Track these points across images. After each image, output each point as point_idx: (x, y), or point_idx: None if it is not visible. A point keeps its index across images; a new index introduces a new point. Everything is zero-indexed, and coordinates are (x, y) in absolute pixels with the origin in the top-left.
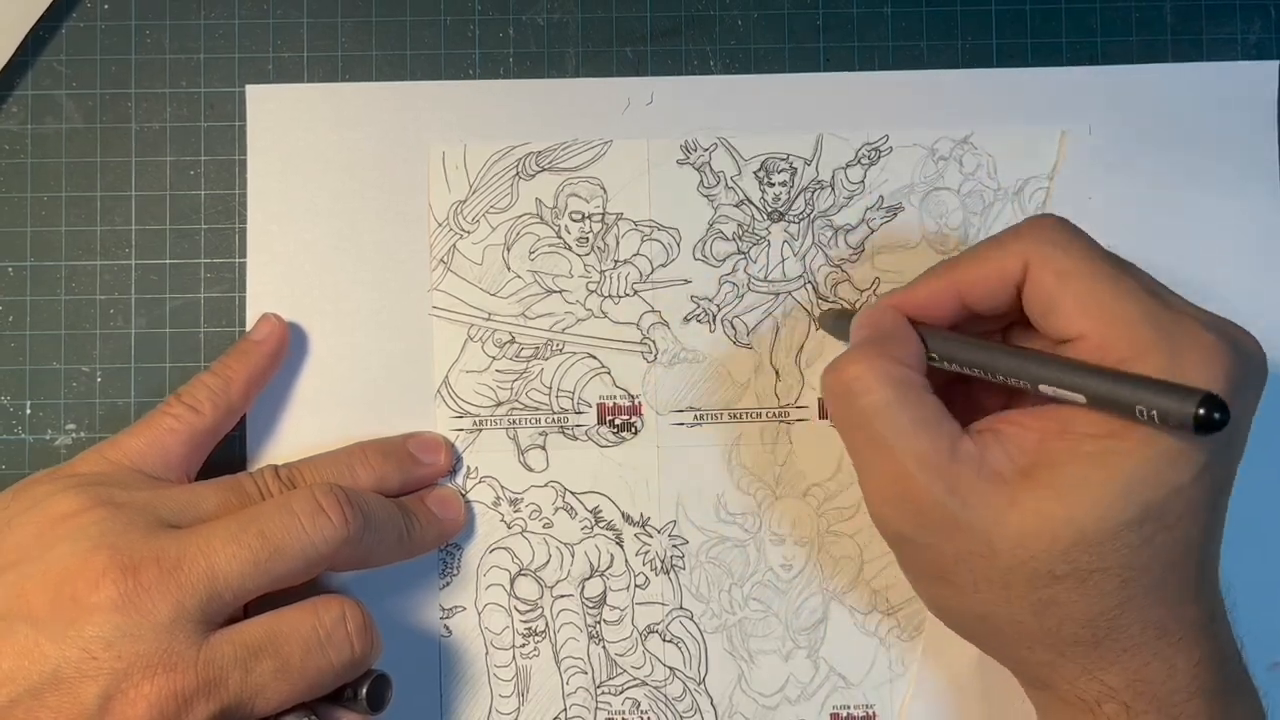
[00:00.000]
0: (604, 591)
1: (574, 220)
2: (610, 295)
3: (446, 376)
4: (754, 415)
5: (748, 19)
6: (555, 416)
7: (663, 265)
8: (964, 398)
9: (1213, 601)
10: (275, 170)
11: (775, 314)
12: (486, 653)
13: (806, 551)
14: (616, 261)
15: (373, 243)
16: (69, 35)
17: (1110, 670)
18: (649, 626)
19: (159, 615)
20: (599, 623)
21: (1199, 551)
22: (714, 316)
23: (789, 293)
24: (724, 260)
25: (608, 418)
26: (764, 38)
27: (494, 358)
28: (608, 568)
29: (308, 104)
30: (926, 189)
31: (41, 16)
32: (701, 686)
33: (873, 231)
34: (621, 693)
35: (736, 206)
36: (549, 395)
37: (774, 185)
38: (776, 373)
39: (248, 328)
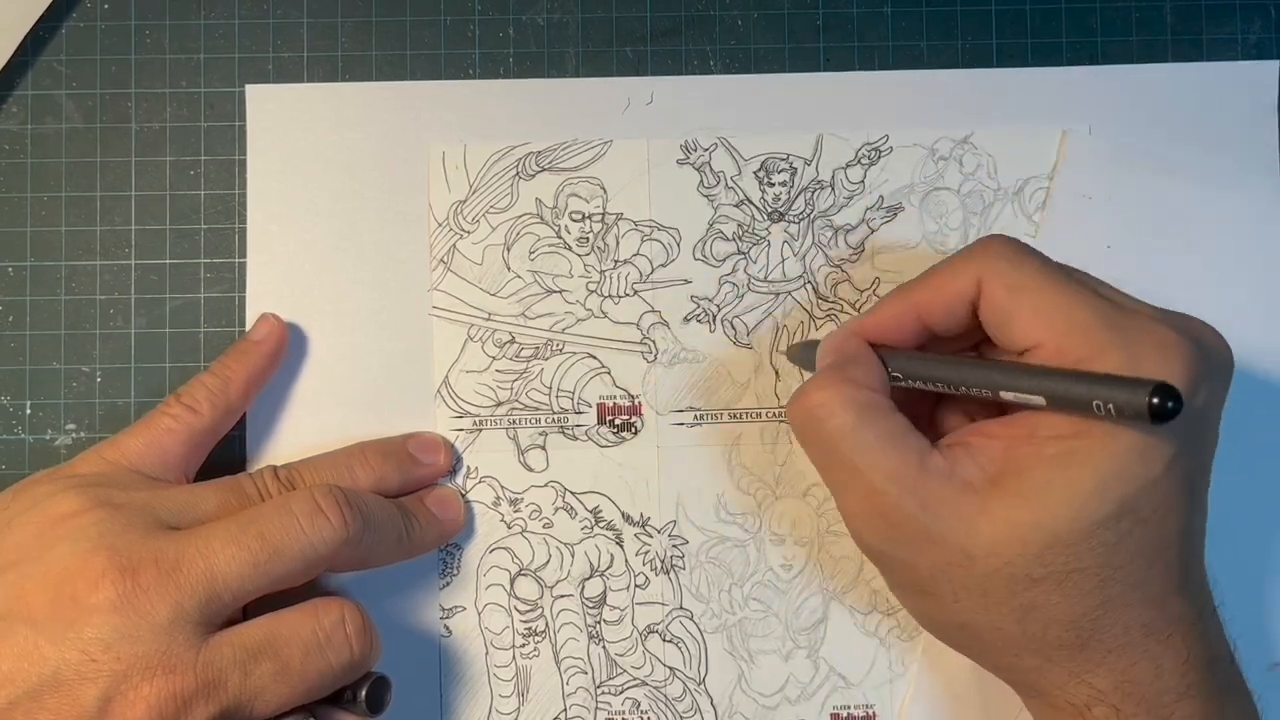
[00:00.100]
0: (604, 591)
1: (574, 220)
2: (610, 295)
3: (446, 376)
4: (754, 415)
5: (748, 19)
6: (555, 416)
7: (663, 265)
8: (935, 416)
9: (1200, 597)
10: (275, 170)
11: (775, 314)
12: (486, 653)
13: (806, 551)
14: (616, 261)
15: (373, 243)
16: (69, 35)
17: (1097, 672)
18: (649, 626)
19: (158, 617)
20: (599, 623)
21: (1178, 545)
22: (714, 316)
23: (789, 293)
24: (724, 260)
25: (608, 418)
26: (764, 38)
27: (494, 358)
28: (608, 568)
29: (308, 104)
30: (926, 189)
31: (41, 16)
32: (701, 686)
33: (873, 231)
34: (621, 693)
35: (736, 206)
36: (549, 395)
37: (774, 185)
38: (776, 373)
39: (248, 328)
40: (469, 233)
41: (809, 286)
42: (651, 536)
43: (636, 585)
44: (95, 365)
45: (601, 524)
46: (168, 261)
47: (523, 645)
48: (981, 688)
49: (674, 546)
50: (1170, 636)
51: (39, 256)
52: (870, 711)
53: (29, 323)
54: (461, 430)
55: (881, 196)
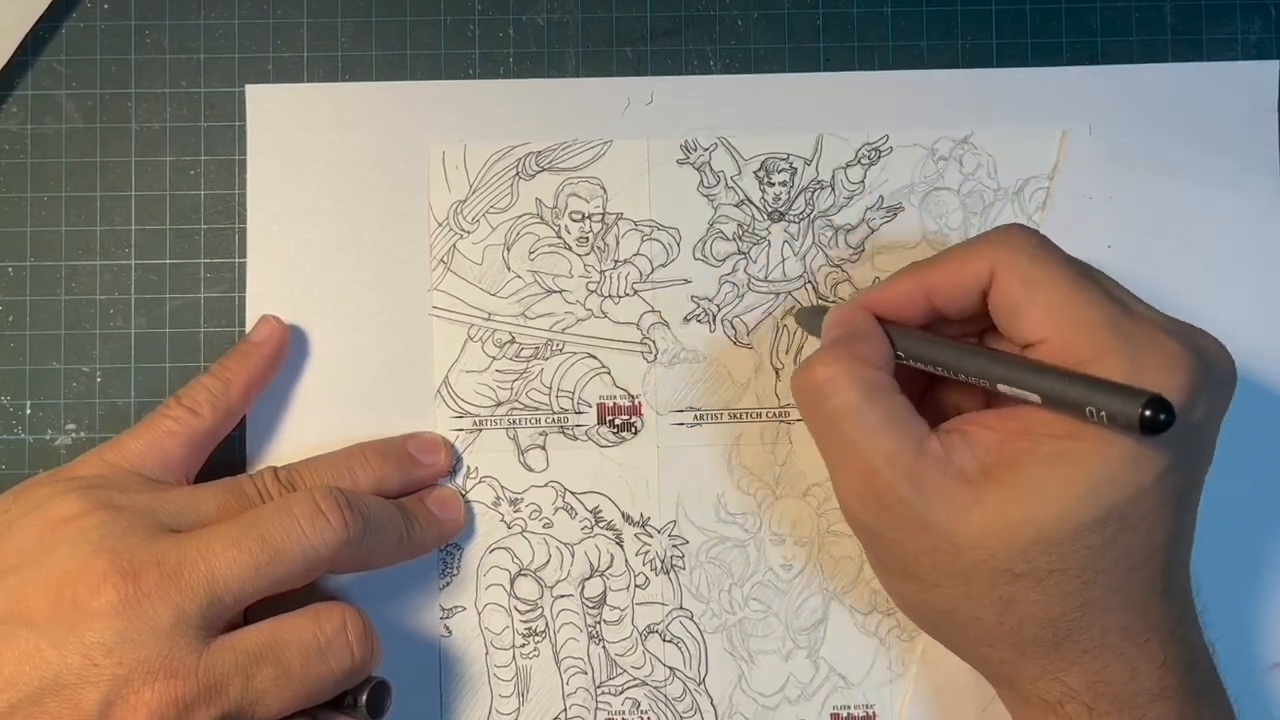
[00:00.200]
0: (604, 591)
1: (574, 220)
2: (610, 295)
3: (446, 376)
4: (754, 415)
5: (748, 19)
6: (555, 416)
7: (663, 265)
8: (936, 398)
9: (1181, 603)
10: (275, 170)
11: (775, 314)
12: (486, 653)
13: (806, 551)
14: (616, 261)
15: (373, 243)
16: (69, 35)
17: (1071, 671)
18: (649, 626)
19: (160, 621)
20: (599, 623)
21: (1164, 554)
22: (714, 316)
23: (789, 293)
24: (724, 260)
25: (608, 418)
26: (764, 38)
27: (494, 358)
28: (608, 568)
29: (308, 104)
30: (926, 189)
31: (41, 16)
32: (701, 686)
33: (873, 231)
34: (621, 693)
35: (736, 206)
36: (549, 395)
37: (774, 185)
38: (776, 373)
39: (248, 328)
40: (469, 233)
41: (809, 286)
42: (651, 536)
43: (636, 585)
44: (95, 365)
45: (601, 524)
46: (168, 261)
47: (523, 645)
48: (979, 691)
49: (674, 546)
50: (1148, 641)
51: (39, 256)
52: (870, 711)
53: (29, 323)
54: (461, 430)
55: (881, 196)
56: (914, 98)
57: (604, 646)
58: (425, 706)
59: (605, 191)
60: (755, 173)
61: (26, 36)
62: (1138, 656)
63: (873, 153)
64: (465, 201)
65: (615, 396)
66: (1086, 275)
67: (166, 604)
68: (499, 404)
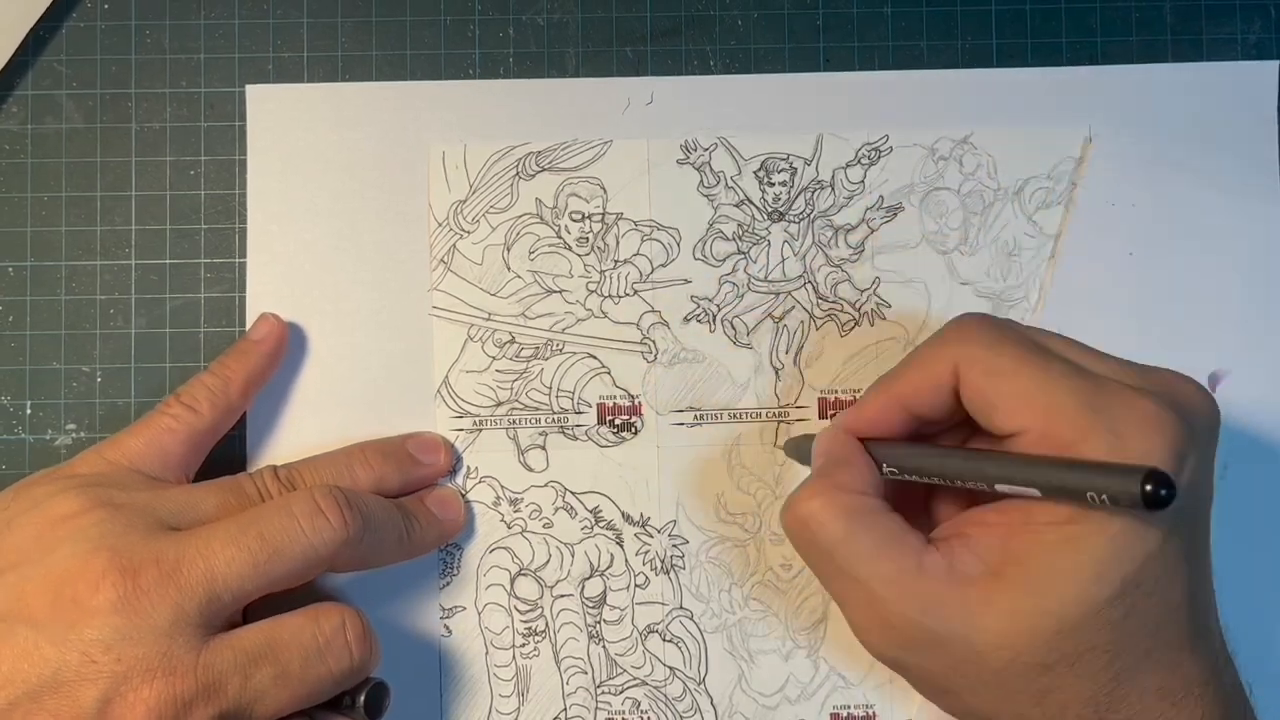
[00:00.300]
0: (604, 591)
1: (574, 220)
2: (610, 295)
3: (446, 376)
4: (754, 415)
5: (748, 19)
6: (555, 416)
7: (663, 265)
8: (931, 503)
9: (1213, 653)
10: (275, 170)
11: (775, 314)
12: (486, 653)
13: None
14: (616, 261)
15: (373, 243)
16: (69, 35)
17: None
18: (649, 626)
19: (158, 619)
20: (599, 623)
21: (1185, 609)
22: (714, 316)
23: (789, 293)
24: (724, 260)
25: (608, 418)
26: (764, 38)
27: (494, 358)
28: (608, 568)
29: (308, 104)
30: (926, 189)
31: (41, 16)
32: (701, 686)
33: (873, 231)
34: (621, 693)
35: (736, 206)
36: (549, 395)
37: (774, 185)
38: (776, 373)
39: (248, 328)
40: (469, 233)
41: (809, 286)
42: (651, 536)
43: (636, 585)
44: (95, 365)
45: (601, 524)
46: (168, 261)
47: (523, 645)
48: None
49: (674, 546)
50: (1184, 697)
51: (39, 256)
52: (870, 711)
53: (29, 323)
54: (461, 430)
55: (881, 196)
56: (914, 98)
57: (604, 646)
58: (425, 706)
59: (605, 191)
60: (755, 173)
61: (26, 36)
62: (1177, 715)
63: (873, 153)
64: (465, 201)
65: (615, 396)
66: (1046, 352)
67: (165, 602)
68: (499, 404)
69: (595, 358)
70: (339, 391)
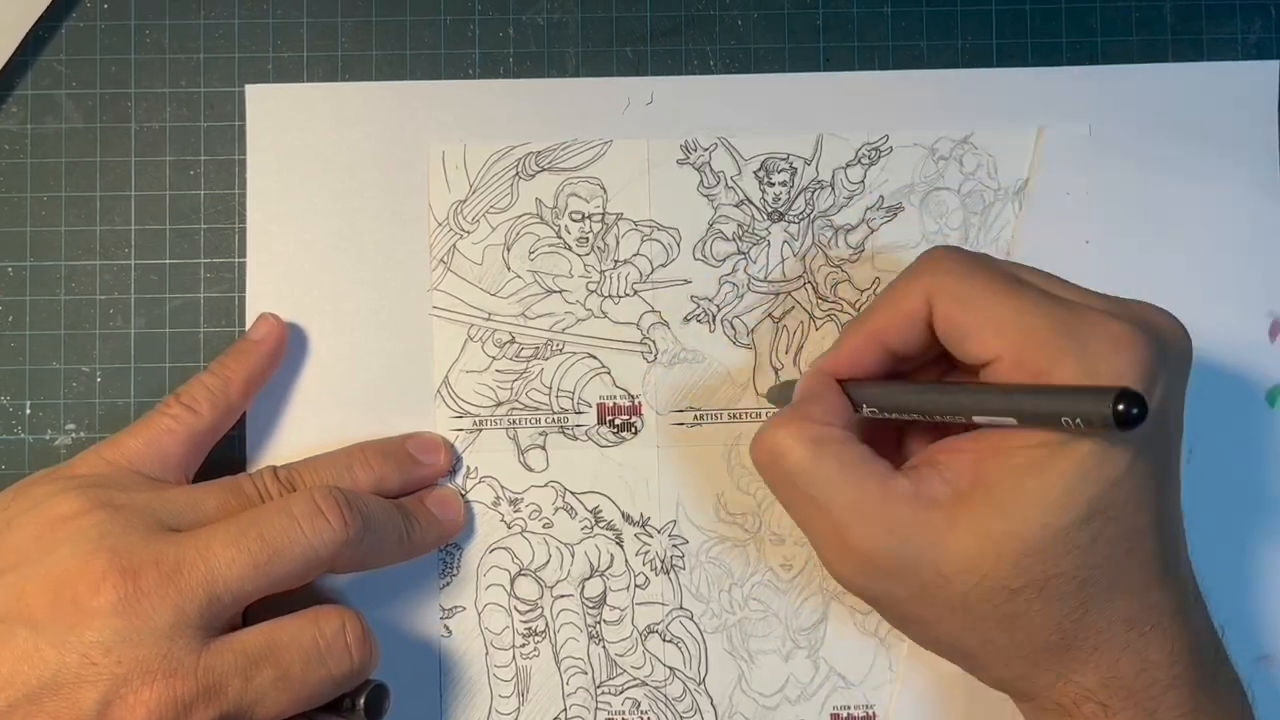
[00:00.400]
0: (604, 591)
1: (574, 220)
2: (610, 295)
3: (446, 376)
4: (754, 415)
5: (748, 19)
6: (555, 416)
7: (663, 265)
8: (905, 438)
9: (1182, 587)
10: (275, 170)
11: (775, 314)
12: (486, 653)
13: (806, 551)
14: (616, 261)
15: (373, 243)
16: (69, 35)
17: (1083, 671)
18: (649, 626)
19: (159, 620)
20: (599, 623)
21: (1153, 536)
22: (714, 316)
23: (789, 293)
24: (724, 260)
25: (608, 418)
26: (764, 38)
27: (494, 358)
28: (608, 568)
29: (307, 104)
30: (926, 189)
31: (41, 16)
32: (701, 686)
33: (873, 231)
34: (621, 693)
35: (736, 206)
36: (549, 395)
37: (774, 185)
38: (776, 373)
39: (247, 328)
40: (469, 233)
41: (809, 286)
42: (651, 536)
43: (636, 585)
44: (95, 365)
45: (601, 524)
46: (168, 261)
47: (523, 645)
48: (968, 683)
49: (674, 546)
50: (1153, 628)
51: (39, 256)
52: (870, 711)
53: (29, 323)
54: (461, 430)
55: (881, 196)
56: (914, 98)
57: (604, 646)
58: (425, 706)
59: (605, 191)
60: (755, 173)
61: (26, 36)
62: (1145, 646)
63: (873, 153)
64: (465, 201)
65: (615, 396)
66: (1017, 280)
67: (165, 603)
68: (499, 404)
69: (595, 358)
70: (339, 391)
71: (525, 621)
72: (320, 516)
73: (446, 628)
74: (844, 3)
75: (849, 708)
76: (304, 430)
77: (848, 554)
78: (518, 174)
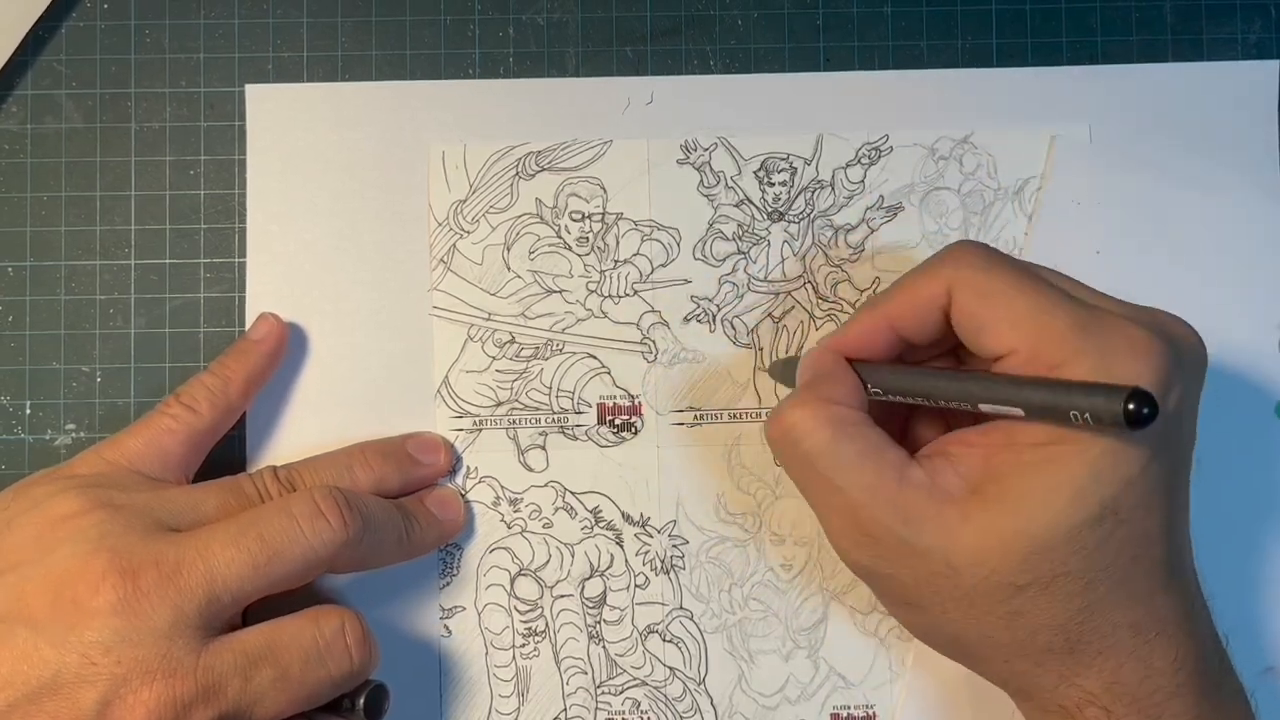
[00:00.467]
0: (604, 591)
1: (574, 220)
2: (610, 295)
3: (446, 376)
4: (754, 415)
5: (748, 19)
6: (555, 416)
7: (663, 265)
8: (913, 426)
9: (1187, 594)
10: (275, 170)
11: (775, 314)
12: (486, 653)
13: (806, 551)
14: (616, 261)
15: (373, 243)
16: (69, 35)
17: (1087, 675)
18: (649, 626)
19: (158, 620)
20: (599, 623)
21: (1162, 542)
22: (714, 316)
23: (789, 293)
24: (724, 260)
25: (608, 418)
26: (764, 38)
27: (494, 358)
28: (608, 568)
29: (307, 104)
30: (926, 189)
31: (41, 16)
32: (701, 686)
33: (873, 231)
34: (621, 693)
35: (736, 206)
36: (549, 395)
37: (774, 185)
38: None
39: (247, 328)
40: (469, 232)
41: (809, 286)
42: (651, 536)
43: (636, 585)
44: (95, 365)
45: (601, 524)
46: (168, 261)
47: (523, 645)
48: (974, 686)
49: (674, 546)
50: (1158, 635)
51: (39, 256)
52: (870, 711)
53: (29, 323)
54: (461, 430)
55: (881, 196)
56: (914, 98)
57: (604, 646)
58: (425, 706)
59: (605, 191)
60: (755, 173)
61: (26, 36)
62: (1150, 653)
63: (873, 153)
64: (465, 201)
65: (615, 396)
66: (1039, 279)
67: (165, 603)
68: (499, 404)
69: (595, 358)
70: (339, 391)
71: (525, 621)
72: (320, 517)
73: (446, 628)
74: (844, 3)
75: (849, 708)
76: (304, 430)
77: (859, 536)
78: (518, 174)
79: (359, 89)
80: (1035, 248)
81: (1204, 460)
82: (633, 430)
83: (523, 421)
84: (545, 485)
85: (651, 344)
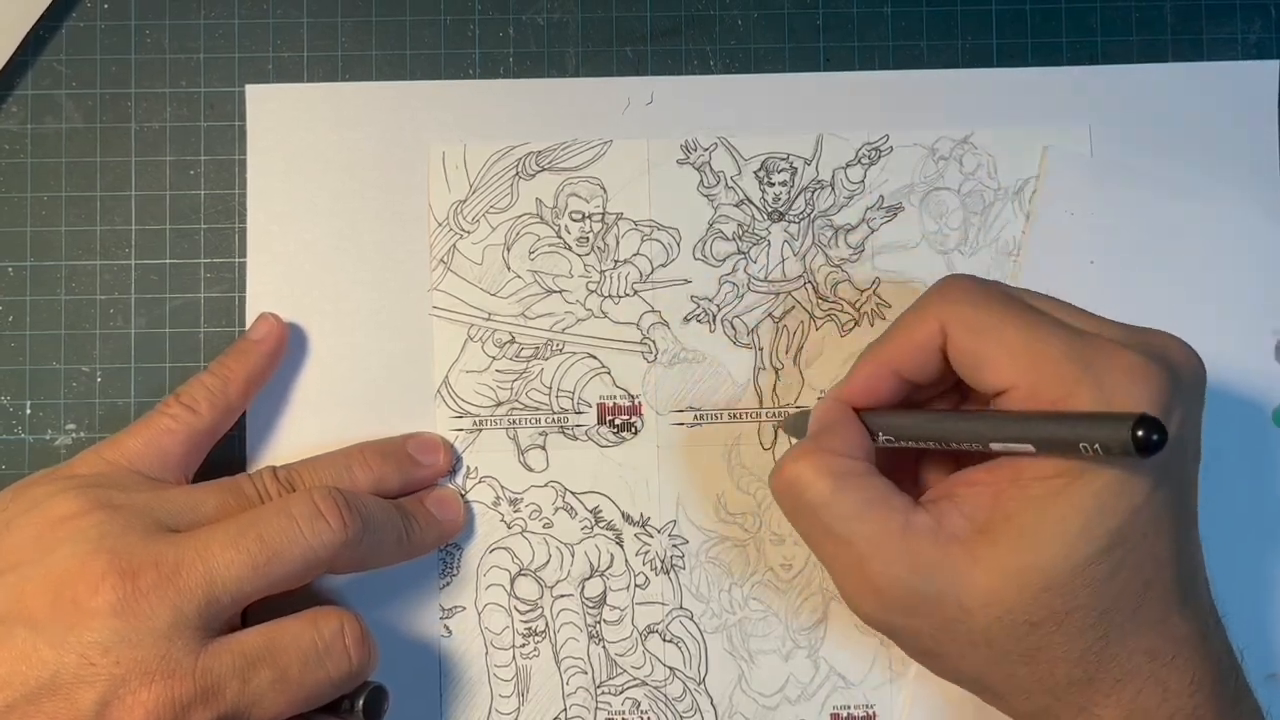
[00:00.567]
0: (604, 591)
1: (574, 220)
2: (610, 295)
3: (446, 376)
4: (754, 415)
5: (748, 19)
6: (555, 416)
7: (663, 265)
8: (921, 468)
9: (1201, 615)
10: (275, 170)
11: (775, 314)
12: (486, 653)
13: (806, 552)
14: (616, 261)
15: (373, 243)
16: (69, 35)
17: (1105, 704)
18: (649, 626)
19: (157, 621)
20: (599, 623)
21: (1172, 566)
22: (714, 316)
23: (789, 293)
24: (724, 260)
25: (608, 418)
26: (764, 38)
27: (494, 358)
28: (608, 568)
29: (308, 104)
30: (926, 189)
31: (41, 16)
32: (701, 686)
33: (873, 231)
34: (621, 693)
35: (736, 206)
36: (549, 395)
37: (774, 185)
38: (776, 373)
39: (247, 328)
40: (469, 232)
41: (809, 286)
42: (651, 536)
43: (636, 585)
44: (95, 365)
45: (601, 524)
46: (168, 261)
47: (523, 645)
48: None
49: (674, 546)
50: (1174, 658)
51: (39, 256)
52: (870, 711)
53: (29, 323)
54: (461, 430)
55: (881, 196)
56: (914, 98)
57: (604, 646)
58: (425, 706)
59: (605, 191)
60: (755, 173)
61: (26, 36)
62: (1167, 677)
63: (873, 153)
64: (465, 201)
65: (615, 396)
66: (1030, 309)
67: (164, 604)
68: (499, 404)
69: (595, 358)
70: (339, 391)
71: (525, 621)
72: (320, 518)
73: (446, 628)
74: (844, 3)
75: (849, 708)
76: (304, 430)
77: (868, 588)
78: (518, 174)
79: (359, 89)
80: (1030, 258)
81: (1203, 468)
82: (633, 430)
83: (523, 421)
84: (545, 485)
85: (651, 344)
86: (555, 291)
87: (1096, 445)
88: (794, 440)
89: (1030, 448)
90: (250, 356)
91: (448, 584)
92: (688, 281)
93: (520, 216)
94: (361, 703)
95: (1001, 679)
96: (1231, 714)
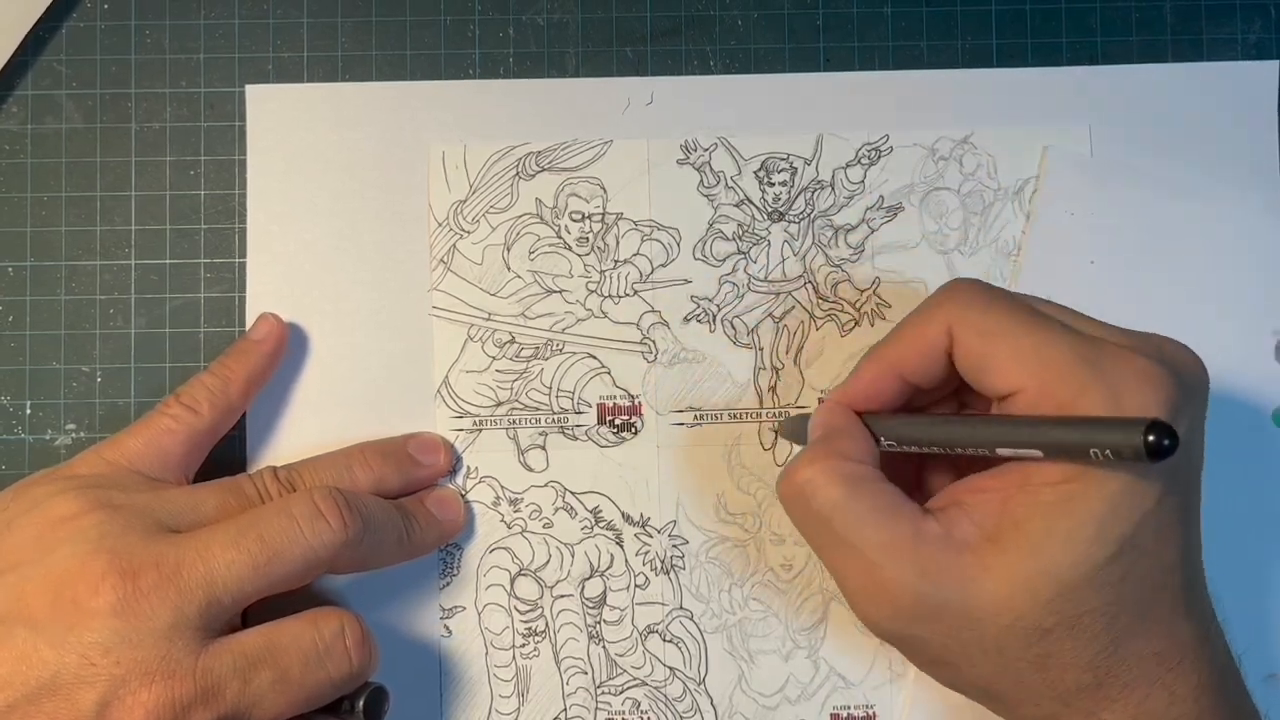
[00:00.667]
0: (604, 591)
1: (574, 220)
2: (610, 295)
3: (446, 376)
4: (754, 415)
5: (748, 19)
6: (555, 416)
7: (663, 265)
8: (924, 473)
9: (1205, 620)
10: (275, 170)
11: (775, 314)
12: (486, 653)
13: (806, 551)
14: (616, 261)
15: (373, 243)
16: (69, 35)
17: (1113, 708)
18: (649, 626)
19: (158, 621)
20: (599, 623)
21: (1180, 570)
22: (714, 316)
23: (789, 293)
24: (724, 260)
25: (608, 418)
26: (764, 38)
27: (494, 358)
28: (608, 568)
29: (308, 104)
30: (926, 189)
31: (41, 16)
32: (701, 686)
33: (873, 231)
34: (621, 693)
35: (736, 206)
36: (549, 395)
37: (774, 185)
38: (776, 373)
39: (247, 328)
40: (469, 233)
41: (809, 286)
42: (651, 536)
43: (636, 585)
44: (95, 365)
45: (601, 524)
46: (168, 261)
47: (523, 645)
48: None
49: (674, 546)
50: (1181, 662)
51: (39, 256)
52: (870, 711)
53: (29, 323)
54: (461, 430)
55: (881, 196)
56: (914, 98)
57: (604, 646)
58: (425, 706)
59: (605, 191)
60: (755, 173)
61: (26, 36)
62: (1174, 681)
63: (873, 153)
64: (465, 201)
65: (615, 396)
66: (1038, 313)
67: (165, 604)
68: (499, 404)
69: (595, 358)
70: (339, 391)
71: (525, 621)
72: (320, 518)
73: (446, 628)
74: (844, 3)
75: (849, 708)
76: (304, 430)
77: (879, 596)
78: (518, 174)
79: (359, 89)
80: (1030, 259)
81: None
82: (633, 430)
83: (523, 421)
84: (545, 485)
85: (651, 344)
86: (555, 291)
87: (1107, 450)
88: (792, 444)
89: (1038, 453)
90: (251, 357)
91: (448, 584)
92: (688, 281)
93: (520, 216)
94: (362, 703)
95: (1011, 686)
96: (1234, 718)
